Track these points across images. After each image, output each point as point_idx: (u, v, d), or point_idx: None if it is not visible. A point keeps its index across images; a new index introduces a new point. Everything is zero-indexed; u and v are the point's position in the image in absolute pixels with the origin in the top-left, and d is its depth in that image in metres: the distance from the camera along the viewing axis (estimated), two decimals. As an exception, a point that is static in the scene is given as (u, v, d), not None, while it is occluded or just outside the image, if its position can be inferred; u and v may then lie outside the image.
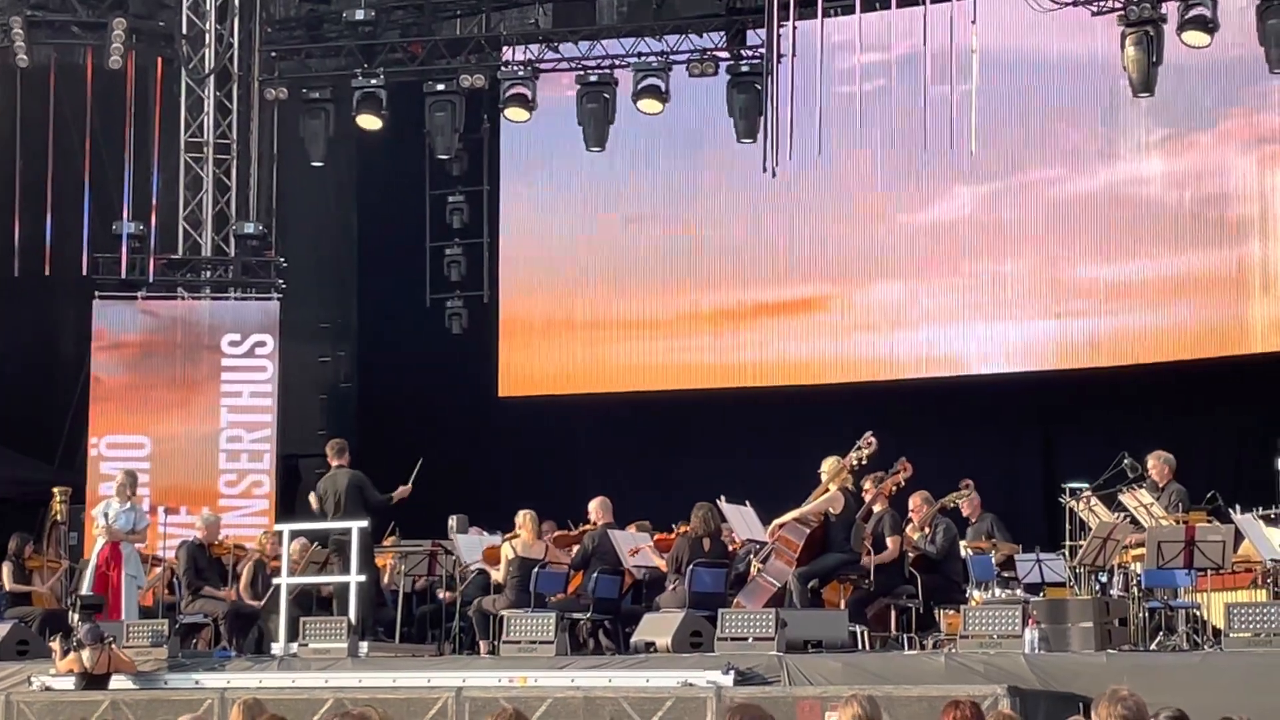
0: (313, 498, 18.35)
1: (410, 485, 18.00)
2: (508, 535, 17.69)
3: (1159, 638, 14.86)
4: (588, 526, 17.82)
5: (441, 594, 18.62)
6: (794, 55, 21.77)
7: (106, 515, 17.76)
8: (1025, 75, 22.61)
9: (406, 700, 14.55)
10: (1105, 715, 6.71)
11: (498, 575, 17.57)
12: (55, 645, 16.86)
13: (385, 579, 18.97)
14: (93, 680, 16.14)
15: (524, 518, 17.51)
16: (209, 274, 24.24)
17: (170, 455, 23.37)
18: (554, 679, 14.66)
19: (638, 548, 17.21)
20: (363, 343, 26.82)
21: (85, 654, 16.15)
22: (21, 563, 19.61)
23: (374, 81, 23.66)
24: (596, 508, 17.69)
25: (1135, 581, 15.23)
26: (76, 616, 16.89)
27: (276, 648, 16.96)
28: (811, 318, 23.72)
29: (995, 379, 22.63)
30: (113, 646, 16.31)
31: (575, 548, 17.58)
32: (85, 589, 17.68)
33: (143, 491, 22.84)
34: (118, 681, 16.23)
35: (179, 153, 24.15)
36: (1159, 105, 21.39)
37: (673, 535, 17.17)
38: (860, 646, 15.49)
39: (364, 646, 16.57)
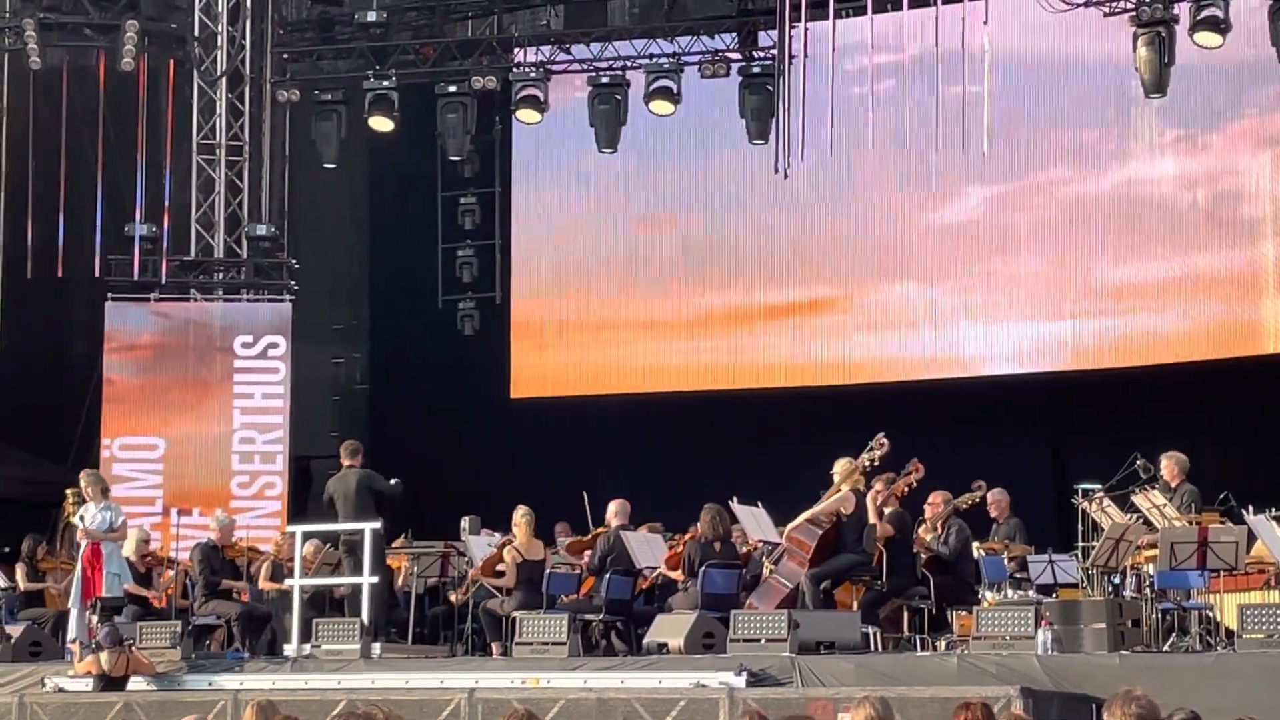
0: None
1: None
2: (503, 541, 17.64)
3: (1172, 639, 14.83)
4: (601, 530, 17.81)
5: (451, 595, 18.60)
6: (806, 56, 21.78)
7: (83, 519, 17.81)
8: (1037, 76, 22.59)
9: (419, 702, 14.55)
10: (1119, 716, 6.70)
11: (501, 582, 17.52)
12: (75, 647, 16.88)
13: (398, 580, 18.97)
14: (110, 682, 16.15)
15: (519, 516, 17.47)
16: (221, 275, 24.29)
17: (183, 457, 23.43)
18: (566, 680, 14.66)
19: (655, 569, 17.17)
20: (375, 344, 26.84)
21: (104, 656, 16.16)
22: (34, 564, 19.65)
23: (386, 83, 23.69)
24: (614, 510, 17.65)
25: (1148, 582, 15.19)
26: (95, 618, 16.89)
27: (289, 649, 16.98)
28: (823, 319, 23.72)
29: (1008, 380, 22.62)
30: (132, 649, 16.32)
31: (589, 553, 17.56)
32: (74, 593, 17.70)
33: (155, 493, 22.97)
34: (133, 683, 16.25)
35: (191, 154, 24.22)
36: (1171, 106, 21.38)
37: (679, 550, 17.08)
38: (873, 648, 15.47)
39: (376, 648, 16.57)
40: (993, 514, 17.91)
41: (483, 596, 17.85)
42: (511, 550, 17.29)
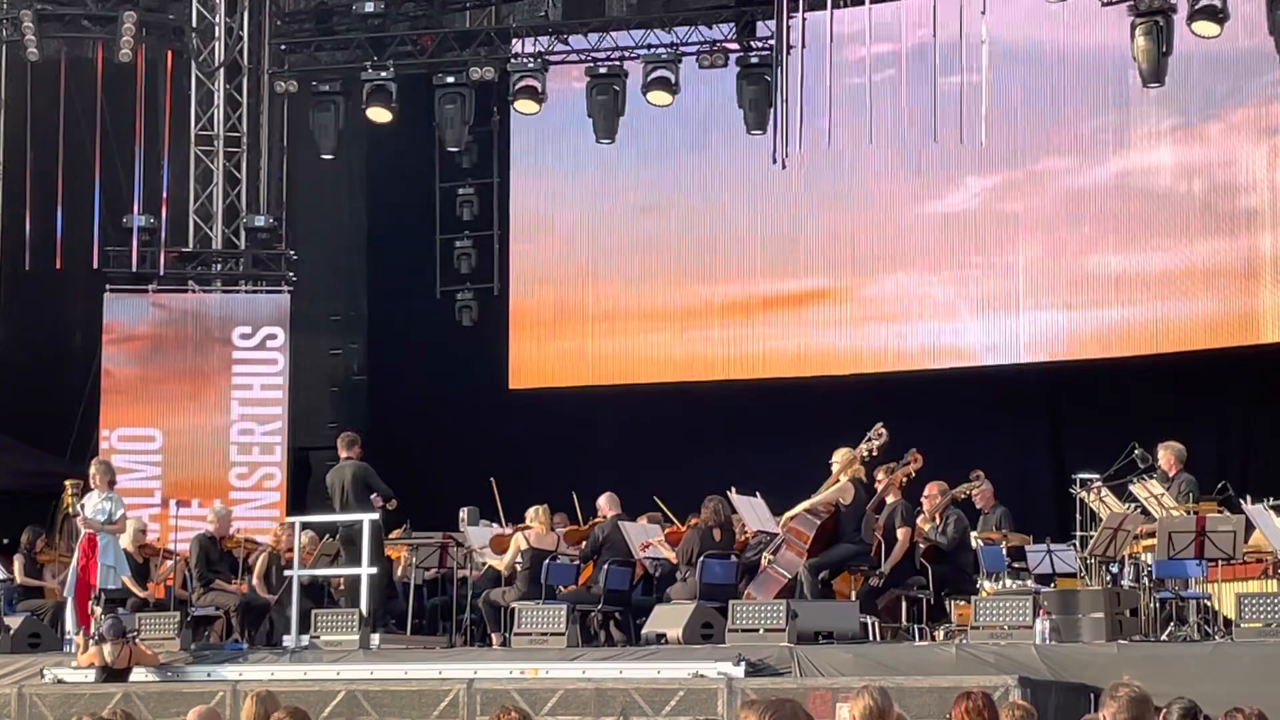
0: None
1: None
2: (519, 526, 17.70)
3: (1170, 628, 14.85)
4: (597, 520, 17.84)
5: (464, 573, 18.56)
6: (804, 46, 21.78)
7: (83, 507, 17.82)
8: (1035, 66, 22.57)
9: (418, 692, 14.58)
10: (1113, 708, 6.70)
11: (499, 564, 17.58)
12: (79, 639, 16.89)
13: (397, 572, 18.99)
14: (113, 674, 16.15)
15: (537, 511, 17.52)
16: (220, 267, 24.28)
17: (181, 448, 23.40)
18: (565, 670, 14.69)
19: (648, 542, 17.23)
20: (373, 335, 26.81)
21: (106, 648, 16.17)
22: (33, 555, 19.67)
23: (384, 74, 23.67)
24: (605, 502, 17.73)
25: (1146, 572, 15.22)
26: (99, 610, 16.91)
27: (288, 640, 16.99)
28: (822, 309, 23.71)
29: (1005, 370, 22.63)
30: (136, 641, 16.33)
31: (585, 542, 17.60)
32: (69, 583, 17.71)
33: (154, 484, 22.97)
34: (133, 674, 16.26)
35: (189, 146, 24.20)
36: (1169, 96, 21.35)
37: (683, 528, 17.19)
38: (871, 637, 15.50)
39: (375, 639, 16.60)
40: (978, 504, 17.91)
41: (484, 588, 17.89)
42: (520, 537, 17.32)
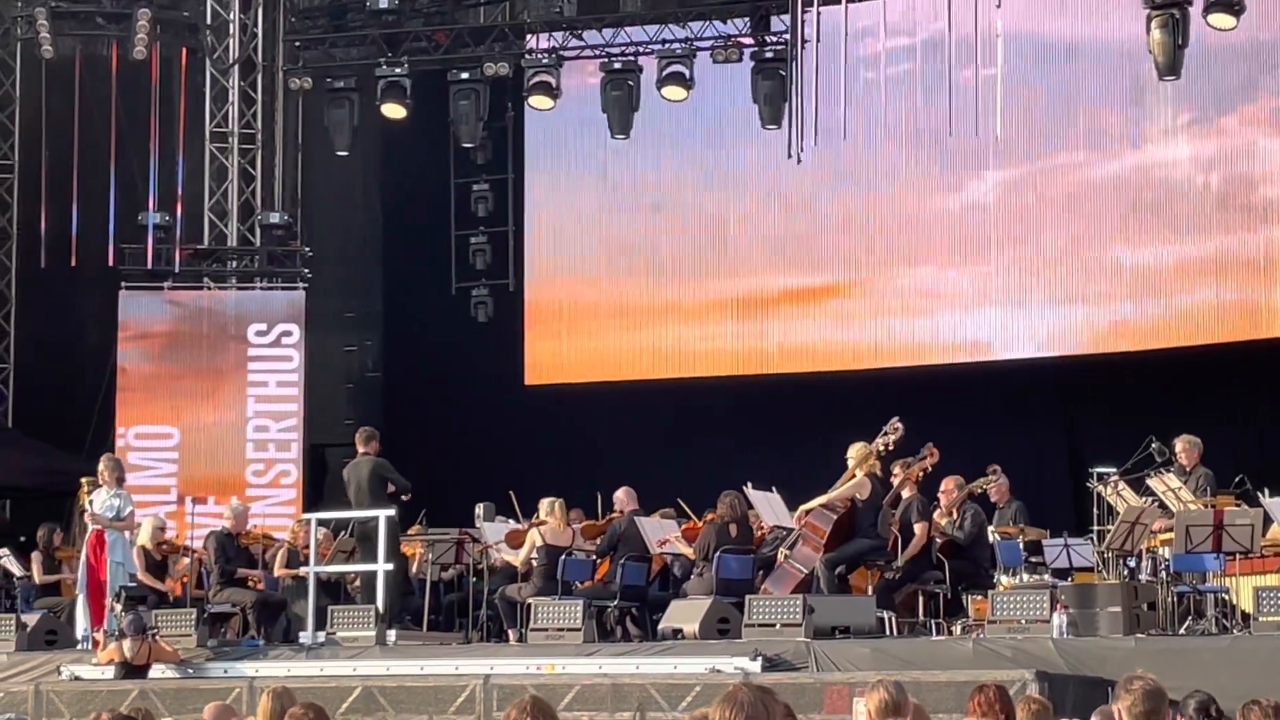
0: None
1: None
2: (534, 521, 17.69)
3: (1187, 622, 14.83)
4: (614, 515, 17.83)
5: (481, 567, 18.55)
6: (818, 41, 21.74)
7: (91, 504, 17.84)
8: (1050, 59, 22.53)
9: (435, 688, 14.60)
10: (1127, 701, 6.67)
11: (514, 559, 17.57)
12: (97, 635, 16.90)
13: (413, 568, 18.99)
14: (132, 670, 16.16)
15: (551, 505, 17.50)
16: (235, 264, 24.31)
17: (197, 445, 23.44)
18: (581, 666, 14.69)
19: (665, 539, 17.21)
20: (388, 331, 26.82)
21: (126, 644, 16.18)
22: (50, 553, 19.69)
23: (398, 70, 23.65)
24: (622, 496, 17.71)
25: (1163, 566, 15.19)
26: (119, 606, 16.93)
27: (305, 636, 17.00)
28: (837, 304, 23.69)
29: (1022, 364, 22.59)
30: (156, 638, 16.34)
31: (602, 537, 17.59)
32: (80, 579, 17.72)
33: (170, 482, 23.00)
34: (151, 670, 16.28)
35: (204, 143, 24.24)
36: (1185, 88, 21.30)
37: (699, 524, 17.17)
38: (888, 632, 15.48)
39: (392, 635, 16.60)
40: (993, 498, 17.85)
41: (500, 584, 17.88)
42: (535, 533, 17.31)
